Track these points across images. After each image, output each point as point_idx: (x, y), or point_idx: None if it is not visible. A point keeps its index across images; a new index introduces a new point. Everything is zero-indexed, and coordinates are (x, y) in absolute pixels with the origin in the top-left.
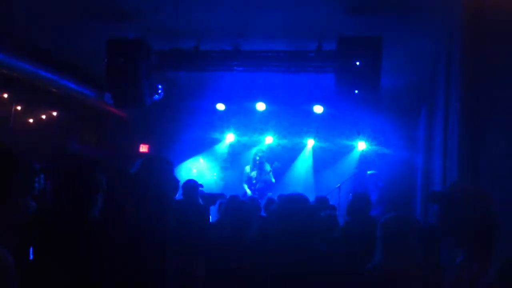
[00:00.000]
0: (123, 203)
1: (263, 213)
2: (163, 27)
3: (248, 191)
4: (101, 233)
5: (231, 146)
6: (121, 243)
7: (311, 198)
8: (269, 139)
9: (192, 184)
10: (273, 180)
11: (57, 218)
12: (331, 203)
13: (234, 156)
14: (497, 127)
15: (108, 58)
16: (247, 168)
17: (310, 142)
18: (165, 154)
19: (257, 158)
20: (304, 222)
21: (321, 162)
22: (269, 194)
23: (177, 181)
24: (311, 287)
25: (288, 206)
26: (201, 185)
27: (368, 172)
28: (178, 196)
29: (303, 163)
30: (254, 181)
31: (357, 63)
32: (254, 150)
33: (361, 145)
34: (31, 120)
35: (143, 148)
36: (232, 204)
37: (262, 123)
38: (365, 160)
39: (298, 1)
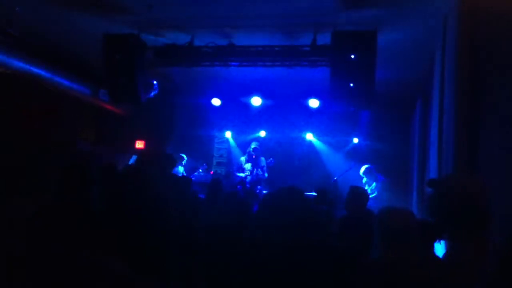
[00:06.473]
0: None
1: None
2: (156, 22)
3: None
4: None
5: (227, 141)
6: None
7: (309, 192)
8: (264, 134)
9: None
10: (266, 175)
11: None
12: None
13: (230, 151)
14: (493, 120)
15: (104, 53)
16: (242, 159)
17: (306, 136)
18: (162, 150)
19: (252, 151)
20: (299, 215)
21: (317, 156)
22: (259, 187)
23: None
24: (309, 282)
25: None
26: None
27: (366, 166)
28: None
29: (300, 157)
30: (247, 173)
31: (352, 56)
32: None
33: (356, 139)
34: (25, 118)
35: (139, 144)
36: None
37: (258, 118)
38: (361, 154)
39: None
